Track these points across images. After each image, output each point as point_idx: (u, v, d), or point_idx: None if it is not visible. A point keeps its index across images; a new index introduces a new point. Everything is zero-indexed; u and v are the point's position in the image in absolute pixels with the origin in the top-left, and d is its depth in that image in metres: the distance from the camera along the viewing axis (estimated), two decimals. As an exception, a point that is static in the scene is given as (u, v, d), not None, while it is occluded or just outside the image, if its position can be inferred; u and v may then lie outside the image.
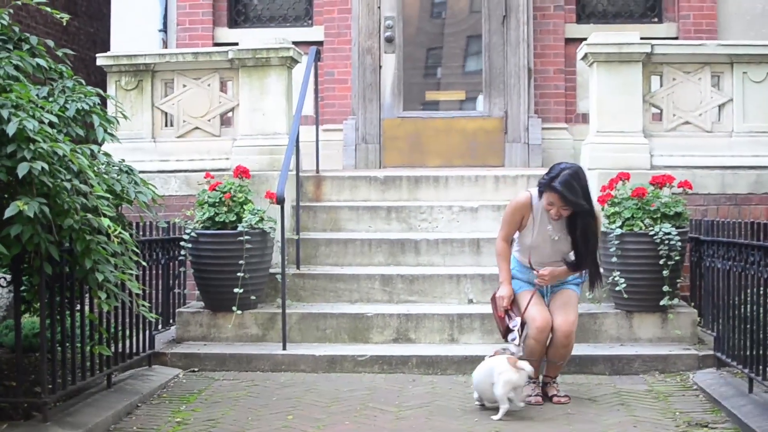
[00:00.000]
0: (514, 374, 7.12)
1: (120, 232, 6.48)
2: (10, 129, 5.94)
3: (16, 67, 6.78)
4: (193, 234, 9.14)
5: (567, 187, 7.34)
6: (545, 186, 7.44)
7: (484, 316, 9.02)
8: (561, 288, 7.78)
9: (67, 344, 7.09)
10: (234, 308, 9.04)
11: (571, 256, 7.64)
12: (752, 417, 6.74)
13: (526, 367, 7.17)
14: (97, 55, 11.06)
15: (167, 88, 10.84)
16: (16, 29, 7.47)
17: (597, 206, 7.85)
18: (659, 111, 10.48)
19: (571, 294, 7.77)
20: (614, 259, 8.85)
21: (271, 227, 9.28)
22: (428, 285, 9.55)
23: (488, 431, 6.86)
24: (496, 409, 7.16)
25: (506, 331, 7.66)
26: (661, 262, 8.71)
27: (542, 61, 13.13)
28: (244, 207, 9.23)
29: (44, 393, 6.64)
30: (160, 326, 9.26)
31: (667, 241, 8.69)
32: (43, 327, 6.70)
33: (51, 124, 6.39)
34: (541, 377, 7.80)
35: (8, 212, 5.88)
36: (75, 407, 7.02)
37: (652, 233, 8.74)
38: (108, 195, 6.61)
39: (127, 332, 8.29)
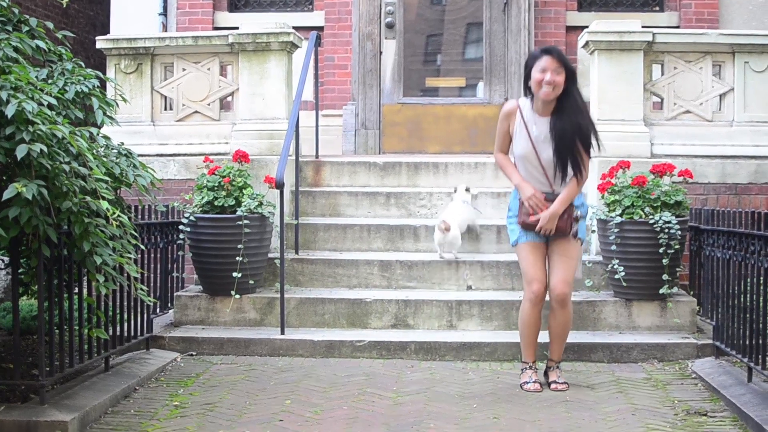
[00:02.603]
0: (440, 234, 9.46)
1: (118, 216, 6.46)
2: (9, 111, 5.91)
3: (15, 49, 6.75)
4: (191, 218, 9.12)
5: (556, 48, 7.51)
6: (538, 53, 7.48)
7: (483, 303, 9.03)
8: (562, 236, 7.56)
9: (65, 327, 7.07)
10: (232, 292, 9.03)
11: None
12: (751, 406, 6.73)
13: (452, 230, 9.41)
14: (96, 38, 11.02)
15: (167, 72, 10.82)
16: (16, 11, 7.46)
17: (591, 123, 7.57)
18: (660, 100, 10.45)
19: (568, 246, 7.57)
20: (614, 248, 8.83)
21: (270, 212, 9.26)
22: (427, 271, 9.53)
23: (486, 417, 6.85)
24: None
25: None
26: (661, 250, 8.69)
27: (543, 49, 13.10)
28: (243, 191, 9.21)
29: (42, 375, 6.63)
30: (158, 310, 9.25)
31: (667, 230, 8.67)
32: (41, 309, 6.68)
33: (50, 107, 6.37)
34: (544, 363, 7.85)
35: (6, 194, 5.86)
36: (72, 390, 7.01)
37: (652, 222, 8.72)
38: (107, 178, 6.58)
39: (125, 316, 8.27)
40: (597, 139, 7.50)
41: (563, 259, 7.56)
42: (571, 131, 7.36)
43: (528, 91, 7.52)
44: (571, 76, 7.38)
